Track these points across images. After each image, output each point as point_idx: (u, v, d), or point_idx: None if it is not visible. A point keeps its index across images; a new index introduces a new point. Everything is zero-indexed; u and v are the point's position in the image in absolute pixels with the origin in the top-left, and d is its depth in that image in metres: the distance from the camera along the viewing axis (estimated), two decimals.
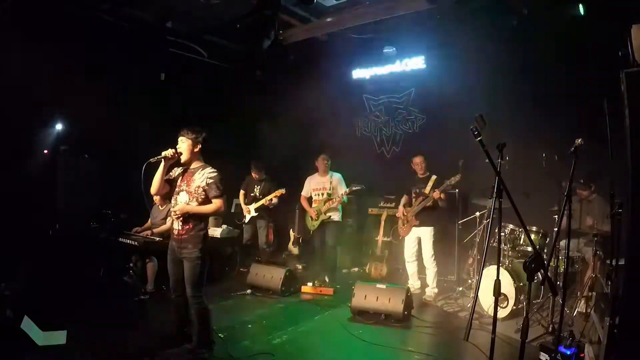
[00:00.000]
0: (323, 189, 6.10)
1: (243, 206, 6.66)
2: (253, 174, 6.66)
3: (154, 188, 3.55)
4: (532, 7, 5.32)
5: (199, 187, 3.50)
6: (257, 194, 6.58)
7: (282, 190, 6.36)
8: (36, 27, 5.32)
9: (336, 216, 6.05)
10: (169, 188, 3.65)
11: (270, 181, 6.65)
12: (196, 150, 3.57)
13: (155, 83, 7.05)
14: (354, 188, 5.88)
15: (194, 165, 3.61)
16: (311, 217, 6.13)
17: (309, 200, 6.27)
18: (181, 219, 3.52)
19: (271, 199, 6.38)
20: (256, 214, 6.53)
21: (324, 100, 7.34)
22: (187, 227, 3.51)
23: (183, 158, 3.54)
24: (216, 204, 3.51)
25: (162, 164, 3.49)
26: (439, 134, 6.47)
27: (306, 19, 6.44)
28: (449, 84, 6.16)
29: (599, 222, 4.49)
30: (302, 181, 6.51)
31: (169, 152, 3.47)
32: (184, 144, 3.53)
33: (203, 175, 3.52)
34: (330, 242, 6.09)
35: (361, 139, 7.58)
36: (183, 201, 3.54)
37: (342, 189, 5.99)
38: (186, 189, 3.54)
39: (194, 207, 3.50)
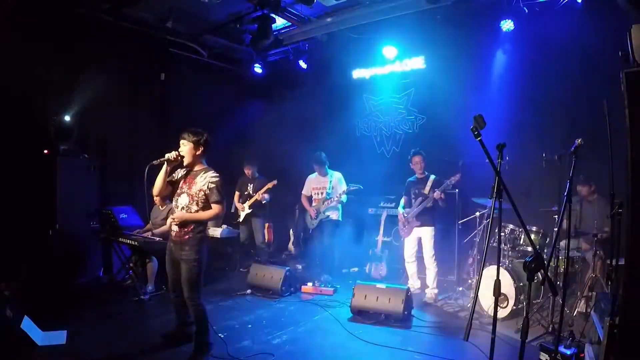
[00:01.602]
0: (322, 188, 6.10)
1: (237, 205, 6.66)
2: (246, 171, 6.65)
3: (156, 189, 3.56)
4: (532, 7, 5.33)
5: (200, 190, 3.49)
6: (251, 192, 6.58)
7: (274, 182, 6.35)
8: (36, 27, 5.33)
9: (335, 215, 6.05)
10: (172, 189, 3.65)
11: (262, 177, 6.65)
12: (198, 153, 3.55)
13: (156, 83, 7.06)
14: (351, 188, 5.88)
15: (197, 167, 3.60)
16: (311, 216, 6.14)
17: (310, 199, 6.27)
18: (177, 224, 3.52)
19: (263, 194, 6.36)
20: (250, 210, 6.52)
21: (324, 100, 7.34)
22: (185, 229, 3.51)
23: (185, 161, 3.54)
24: (215, 209, 3.50)
25: (165, 166, 3.50)
26: (439, 134, 6.46)
27: (306, 19, 6.44)
28: (449, 84, 6.16)
29: (599, 222, 4.49)
30: (302, 181, 6.51)
31: (171, 155, 3.47)
32: (185, 147, 3.52)
33: (205, 179, 3.50)
34: (329, 242, 6.09)
35: (361, 139, 7.58)
36: (183, 203, 3.53)
37: (342, 188, 5.98)
38: (187, 191, 3.53)
39: (193, 214, 3.49)
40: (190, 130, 3.55)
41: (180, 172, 3.67)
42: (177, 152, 3.50)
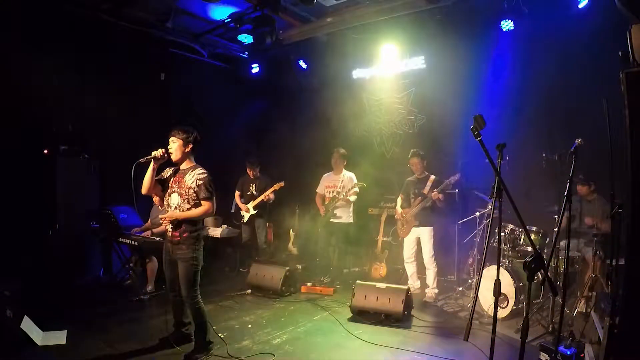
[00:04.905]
0: (334, 186, 6.10)
1: (241, 205, 6.65)
2: (248, 171, 6.65)
3: (144, 188, 3.54)
4: (532, 7, 5.33)
5: (189, 188, 3.49)
6: (254, 192, 6.57)
7: (281, 183, 6.35)
8: (36, 27, 5.33)
9: (346, 217, 6.02)
10: (162, 188, 3.64)
11: (265, 177, 6.65)
12: (187, 150, 3.55)
13: (155, 83, 7.06)
14: (354, 188, 5.89)
15: (185, 165, 3.60)
16: (321, 214, 6.14)
17: (324, 198, 6.27)
18: (172, 224, 3.51)
19: (269, 194, 6.36)
20: (255, 211, 6.52)
21: (323, 101, 7.34)
22: (180, 229, 3.51)
23: (174, 158, 3.53)
24: (205, 206, 3.50)
25: (152, 164, 3.48)
26: (439, 134, 6.46)
27: (306, 19, 6.44)
28: (449, 84, 6.16)
29: (599, 222, 4.49)
30: (301, 181, 6.51)
31: (158, 152, 3.46)
32: (174, 144, 3.53)
33: (193, 177, 3.51)
34: (335, 243, 6.10)
35: (361, 139, 7.58)
36: (175, 203, 3.54)
37: (351, 187, 5.96)
38: (178, 190, 3.53)
39: (183, 213, 3.49)
40: (180, 127, 3.55)
41: (169, 171, 3.66)
42: (163, 150, 3.50)
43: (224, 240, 6.85)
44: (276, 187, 6.34)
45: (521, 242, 4.84)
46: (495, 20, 5.57)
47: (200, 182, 3.49)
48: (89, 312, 4.61)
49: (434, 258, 5.43)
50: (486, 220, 5.23)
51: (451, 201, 5.83)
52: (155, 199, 3.85)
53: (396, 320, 4.45)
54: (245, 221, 6.63)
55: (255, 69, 7.84)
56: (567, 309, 4.11)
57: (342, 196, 5.89)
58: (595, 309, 3.78)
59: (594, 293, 4.15)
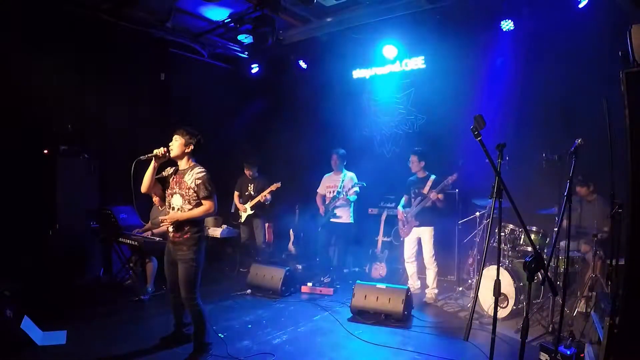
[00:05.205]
0: (334, 186, 6.11)
1: (239, 206, 6.65)
2: (246, 171, 6.64)
3: (144, 187, 3.53)
4: (532, 7, 5.33)
5: (189, 188, 3.49)
6: (252, 192, 6.56)
7: (278, 184, 6.34)
8: (36, 27, 5.34)
9: (346, 217, 6.03)
10: (161, 187, 3.64)
11: (263, 177, 6.64)
12: (187, 150, 3.55)
13: (155, 83, 7.06)
14: (355, 188, 5.90)
15: (185, 165, 3.59)
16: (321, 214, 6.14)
17: (324, 198, 6.28)
18: (174, 225, 3.51)
19: (265, 195, 6.36)
20: (252, 212, 6.52)
21: (323, 101, 7.34)
22: (182, 230, 3.50)
23: (172, 154, 3.52)
24: (206, 205, 3.49)
25: (153, 162, 3.47)
26: (439, 134, 6.46)
27: (306, 19, 6.44)
28: (449, 84, 6.16)
29: (599, 222, 4.49)
30: (301, 181, 6.50)
31: (159, 151, 3.46)
32: (176, 142, 3.53)
33: (192, 176, 3.50)
34: (335, 243, 6.09)
35: (361, 139, 7.57)
36: (177, 204, 3.53)
37: (351, 187, 5.97)
38: (179, 191, 3.53)
39: (184, 214, 3.49)
40: (186, 128, 3.55)
41: (170, 170, 3.66)
42: (165, 149, 3.49)
43: (224, 240, 6.84)
44: (273, 187, 6.34)
45: (521, 242, 4.84)
46: (495, 20, 5.57)
47: (199, 181, 3.48)
48: (89, 312, 4.61)
49: (434, 258, 5.42)
50: (486, 220, 5.23)
51: (451, 201, 5.83)
52: (155, 199, 3.85)
53: (396, 320, 4.45)
54: (242, 221, 6.63)
55: (255, 69, 7.83)
56: (567, 309, 4.10)
57: (341, 196, 5.90)
58: (595, 309, 3.78)
59: (594, 293, 4.15)
